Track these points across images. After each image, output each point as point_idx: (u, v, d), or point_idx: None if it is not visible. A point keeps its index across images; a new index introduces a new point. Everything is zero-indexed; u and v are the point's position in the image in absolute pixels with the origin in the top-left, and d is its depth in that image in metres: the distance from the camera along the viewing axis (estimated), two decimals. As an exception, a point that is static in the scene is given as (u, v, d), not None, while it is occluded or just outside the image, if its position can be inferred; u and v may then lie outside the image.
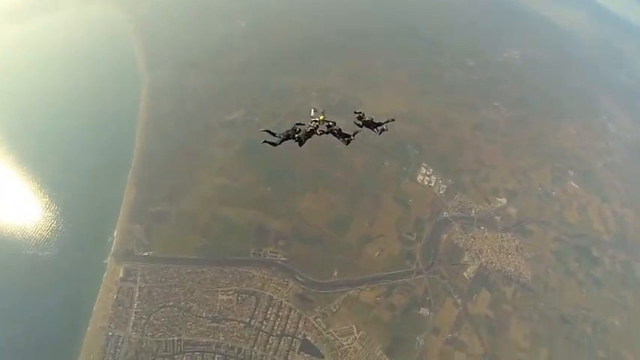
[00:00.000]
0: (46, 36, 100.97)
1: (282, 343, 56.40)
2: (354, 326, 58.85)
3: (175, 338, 55.66)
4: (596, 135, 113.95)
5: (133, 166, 71.90)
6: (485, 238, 74.05)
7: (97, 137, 75.67)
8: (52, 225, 64.03)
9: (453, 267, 68.49)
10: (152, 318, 56.89)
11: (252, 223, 65.90)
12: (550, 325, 67.18)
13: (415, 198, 74.90)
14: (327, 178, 73.23)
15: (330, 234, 66.95)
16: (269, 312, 57.85)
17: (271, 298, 59.02)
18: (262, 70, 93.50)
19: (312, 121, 20.92)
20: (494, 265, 71.04)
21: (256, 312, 57.63)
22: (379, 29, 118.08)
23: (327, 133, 21.13)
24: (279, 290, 59.97)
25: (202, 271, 60.45)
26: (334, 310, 59.45)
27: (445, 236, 71.90)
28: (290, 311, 58.44)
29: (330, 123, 21.19)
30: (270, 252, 63.09)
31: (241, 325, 56.81)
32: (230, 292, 58.74)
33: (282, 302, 58.85)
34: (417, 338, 60.07)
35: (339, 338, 57.44)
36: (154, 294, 58.59)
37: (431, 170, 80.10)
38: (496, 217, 77.97)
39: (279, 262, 62.51)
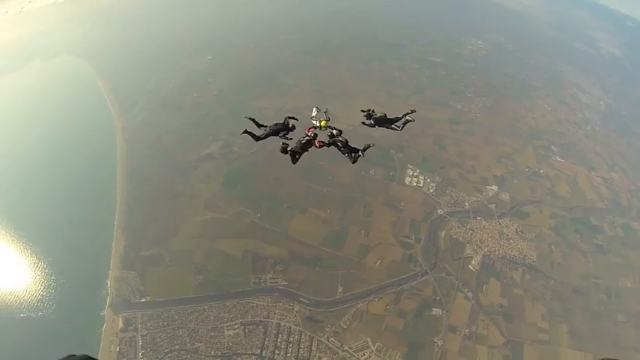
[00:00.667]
0: (16, 94, 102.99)
1: (298, 369, 57.43)
2: (368, 339, 59.66)
3: (187, 383, 56.13)
4: (570, 108, 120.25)
5: (118, 213, 72.82)
6: (484, 227, 76.64)
7: (79, 190, 76.90)
8: (44, 284, 64.08)
9: (456, 262, 70.27)
10: (160, 366, 57.52)
11: (247, 253, 66.93)
12: (564, 300, 69.16)
13: (407, 201, 77.34)
14: (314, 196, 75.15)
15: (327, 251, 68.27)
16: (279, 339, 58.33)
17: (279, 325, 59.64)
18: (233, 99, 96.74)
19: (309, 130, 18.93)
20: (497, 252, 73.28)
21: (266, 342, 58.09)
22: (340, 43, 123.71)
23: (328, 145, 18.72)
24: (286, 316, 60.68)
25: (204, 309, 60.85)
26: (345, 327, 60.23)
27: (443, 233, 74.02)
28: (301, 335, 59.04)
29: (334, 132, 18.83)
30: (270, 278, 64.04)
31: (253, 357, 57.13)
32: (236, 326, 59.16)
33: (290, 327, 59.49)
34: (435, 340, 60.98)
35: (356, 354, 58.04)
36: (158, 340, 58.61)
37: (417, 171, 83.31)
38: (490, 206, 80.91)
39: (281, 287, 63.37)
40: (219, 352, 57.59)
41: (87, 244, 68.52)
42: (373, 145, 18.69)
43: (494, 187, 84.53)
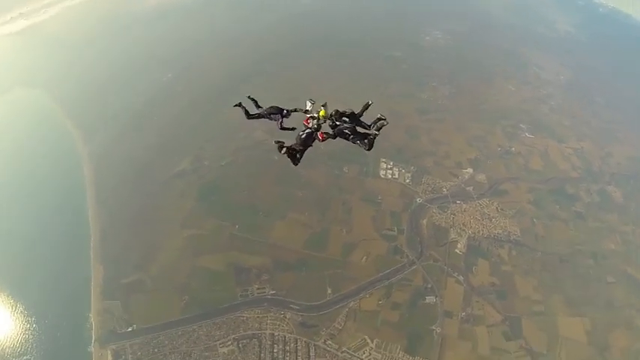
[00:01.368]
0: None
1: (299, 378, 58.05)
2: (366, 337, 60.90)
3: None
4: (532, 86, 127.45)
5: (92, 243, 72.00)
6: (465, 210, 79.94)
7: (48, 225, 75.58)
8: (25, 327, 62.65)
9: (442, 248, 72.90)
10: (155, 395, 56.99)
11: (230, 266, 67.53)
12: (553, 270, 72.65)
13: (384, 194, 79.87)
14: (291, 200, 76.79)
15: (311, 254, 69.61)
16: (275, 350, 58.81)
17: (273, 335, 60.14)
18: (199, 113, 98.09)
19: (307, 121, 17.37)
20: (481, 233, 76.44)
21: (262, 354, 58.43)
22: (299, 46, 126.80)
23: (334, 136, 16.99)
24: (279, 325, 61.28)
25: (194, 330, 60.66)
26: (340, 328, 61.35)
27: (425, 221, 76.79)
28: (296, 342, 59.72)
29: (337, 121, 17.19)
30: (257, 289, 64.65)
31: (251, 372, 57.86)
32: (229, 343, 59.21)
33: (285, 336, 60.08)
34: (433, 327, 62.87)
35: (355, 354, 59.15)
36: (150, 368, 58.73)
37: (391, 163, 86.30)
38: (468, 188, 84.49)
39: (269, 296, 64.03)
40: (216, 371, 57.93)
41: (64, 280, 67.54)
42: (384, 120, 16.94)
43: (470, 170, 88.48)
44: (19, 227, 75.47)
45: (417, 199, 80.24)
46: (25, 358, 59.69)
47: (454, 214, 78.86)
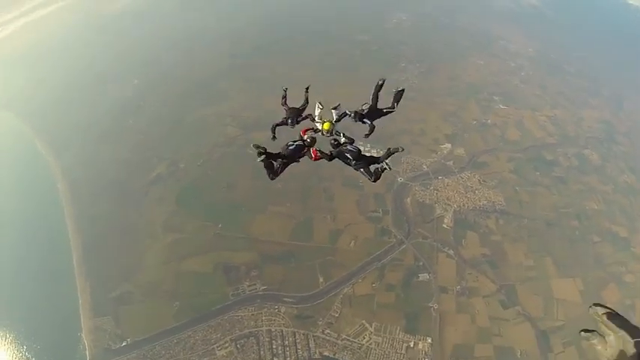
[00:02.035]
0: None
1: (301, 370, 58.79)
2: (364, 322, 62.29)
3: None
4: (501, 59, 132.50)
5: (75, 260, 71.04)
6: (447, 185, 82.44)
7: (28, 248, 74.58)
8: (17, 355, 61.93)
9: (429, 224, 75.05)
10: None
11: (218, 266, 67.73)
12: (540, 235, 76.02)
13: (364, 177, 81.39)
14: (270, 193, 76.47)
15: (298, 244, 70.53)
16: (274, 346, 59.52)
17: (270, 331, 60.77)
18: (169, 116, 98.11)
19: (304, 132, 15.90)
20: (466, 205, 79.10)
21: (262, 352, 59.10)
22: (266, 41, 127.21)
23: (330, 157, 15.41)
24: (274, 320, 61.93)
25: (189, 336, 60.83)
26: (337, 315, 62.54)
27: (409, 199, 78.85)
28: (295, 336, 60.54)
29: (341, 139, 15.71)
30: (248, 286, 65.05)
31: (252, 371, 58.15)
32: (227, 344, 59.55)
33: (282, 330, 60.80)
34: (430, 305, 64.78)
35: (356, 340, 60.55)
36: (150, 380, 58.15)
37: (368, 145, 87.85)
38: (448, 163, 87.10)
39: (261, 292, 64.57)
40: (217, 375, 57.96)
41: (51, 302, 66.79)
42: (402, 149, 15.11)
43: (448, 145, 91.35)
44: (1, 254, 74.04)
45: (399, 179, 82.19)
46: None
47: (437, 190, 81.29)
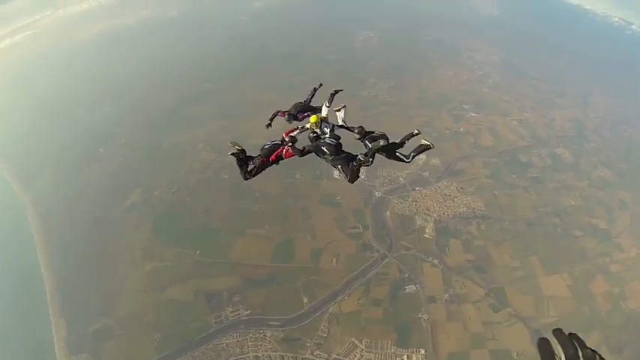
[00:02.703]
0: None
1: (293, 396, 58.33)
2: (353, 339, 62.48)
3: None
4: (469, 69, 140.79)
5: (49, 295, 69.89)
6: (426, 195, 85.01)
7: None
8: None
9: (411, 235, 76.86)
10: None
11: (199, 293, 67.50)
12: (523, 235, 78.73)
13: (341, 194, 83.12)
14: (247, 216, 78.40)
15: (279, 266, 71.06)
16: (262, 372, 59.25)
17: (257, 357, 60.29)
18: (142, 143, 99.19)
19: (287, 134, 15.78)
20: (446, 214, 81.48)
21: (249, 380, 58.71)
22: (236, 64, 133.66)
23: (302, 153, 15.21)
24: (261, 345, 61.60)
25: None
26: (325, 335, 62.64)
27: (388, 213, 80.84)
28: (283, 359, 60.54)
29: (320, 134, 15.39)
30: (231, 312, 64.87)
31: (241, 401, 57.53)
32: (212, 375, 59.05)
33: (270, 355, 60.47)
34: (420, 315, 65.58)
35: (347, 358, 60.48)
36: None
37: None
38: (424, 174, 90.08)
39: (245, 317, 64.39)
40: (204, 407, 57.07)
41: (23, 342, 65.52)
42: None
43: (423, 156, 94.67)
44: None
45: (376, 193, 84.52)
46: None
47: (416, 201, 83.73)
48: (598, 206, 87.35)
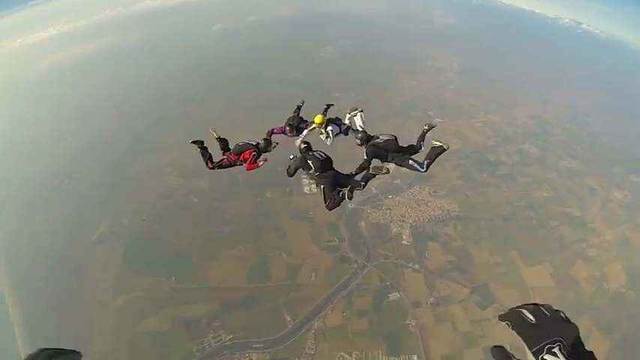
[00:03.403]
0: None
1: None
2: (343, 353, 62.65)
3: None
4: (431, 77, 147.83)
5: (19, 339, 67.01)
6: (399, 202, 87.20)
7: None
8: None
9: (388, 243, 78.44)
10: None
11: (177, 322, 66.43)
12: (500, 231, 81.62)
13: (313, 209, 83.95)
14: (219, 238, 78.38)
15: (257, 286, 71.02)
16: (250, 398, 58.40)
17: (244, 383, 59.95)
18: (107, 173, 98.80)
19: (277, 130, 16.32)
20: (422, 218, 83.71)
21: (237, 407, 57.74)
22: (196, 89, 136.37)
23: (257, 152, 15.26)
24: (246, 369, 61.33)
25: None
26: (313, 352, 62.64)
27: (363, 223, 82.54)
28: (271, 382, 60.04)
29: (311, 150, 15.27)
30: (213, 338, 63.98)
31: None
32: (198, 406, 57.73)
33: (256, 380, 60.16)
34: (407, 322, 66.55)
35: (337, 374, 61.21)
36: None
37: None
38: (396, 182, 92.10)
39: (228, 342, 63.67)
40: None
41: None
42: (387, 171, 14.50)
43: (391, 164, 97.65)
44: None
45: (349, 205, 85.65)
46: None
47: (390, 209, 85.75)
48: (569, 195, 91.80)
